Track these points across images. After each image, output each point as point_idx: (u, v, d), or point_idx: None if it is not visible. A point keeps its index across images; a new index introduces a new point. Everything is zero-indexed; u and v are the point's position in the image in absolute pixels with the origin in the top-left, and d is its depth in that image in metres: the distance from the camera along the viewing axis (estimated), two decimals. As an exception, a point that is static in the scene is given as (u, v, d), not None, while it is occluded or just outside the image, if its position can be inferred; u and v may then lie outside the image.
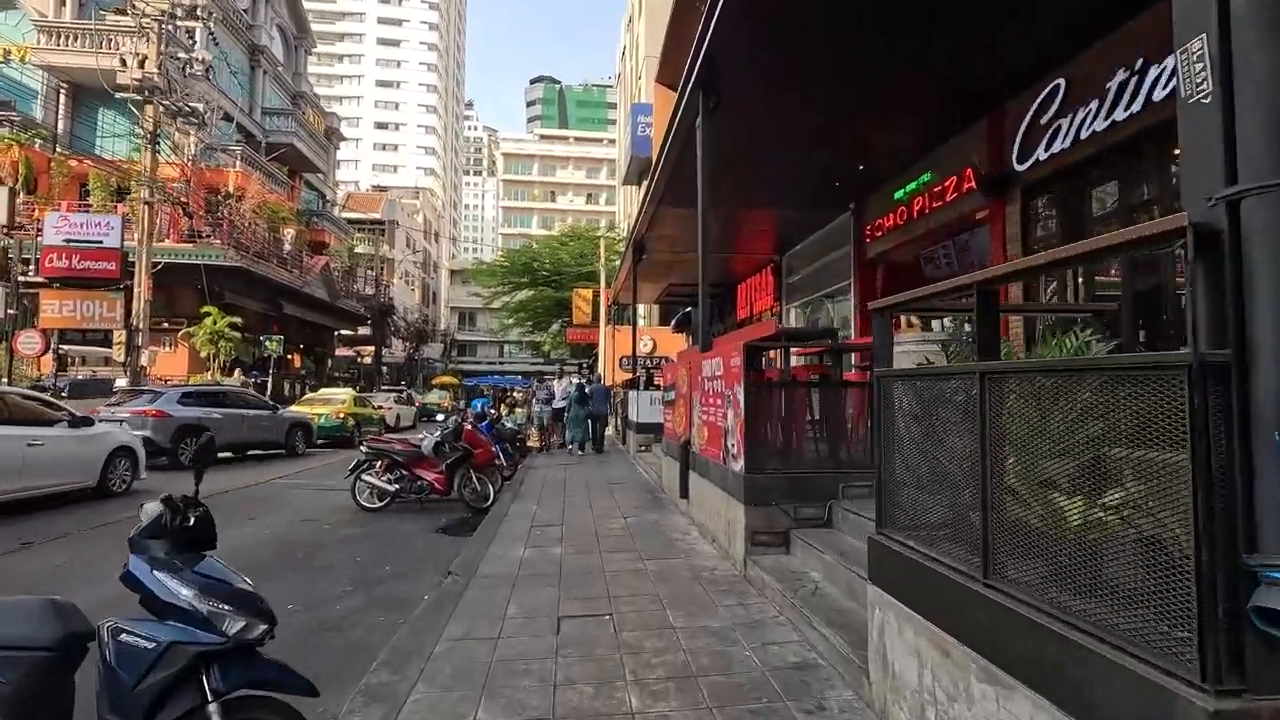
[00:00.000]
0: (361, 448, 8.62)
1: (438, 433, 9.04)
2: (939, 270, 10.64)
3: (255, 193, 23.43)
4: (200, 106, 16.60)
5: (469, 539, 6.51)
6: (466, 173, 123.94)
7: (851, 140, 8.91)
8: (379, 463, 8.57)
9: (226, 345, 21.14)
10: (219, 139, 23.93)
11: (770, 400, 4.87)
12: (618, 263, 30.07)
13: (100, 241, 15.77)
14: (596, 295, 31.00)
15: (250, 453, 14.49)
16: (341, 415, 18.27)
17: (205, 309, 21.02)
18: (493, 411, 16.09)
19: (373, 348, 43.65)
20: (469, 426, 9.51)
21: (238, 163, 23.75)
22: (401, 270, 52.15)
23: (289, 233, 24.13)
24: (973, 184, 7.93)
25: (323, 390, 22.20)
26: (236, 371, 22.57)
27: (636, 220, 13.73)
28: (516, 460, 13.36)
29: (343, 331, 43.88)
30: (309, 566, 5.64)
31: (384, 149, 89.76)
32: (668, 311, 28.93)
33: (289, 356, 31.07)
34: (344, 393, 20.47)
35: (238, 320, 21.39)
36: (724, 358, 5.35)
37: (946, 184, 8.49)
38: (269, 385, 22.03)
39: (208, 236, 21.62)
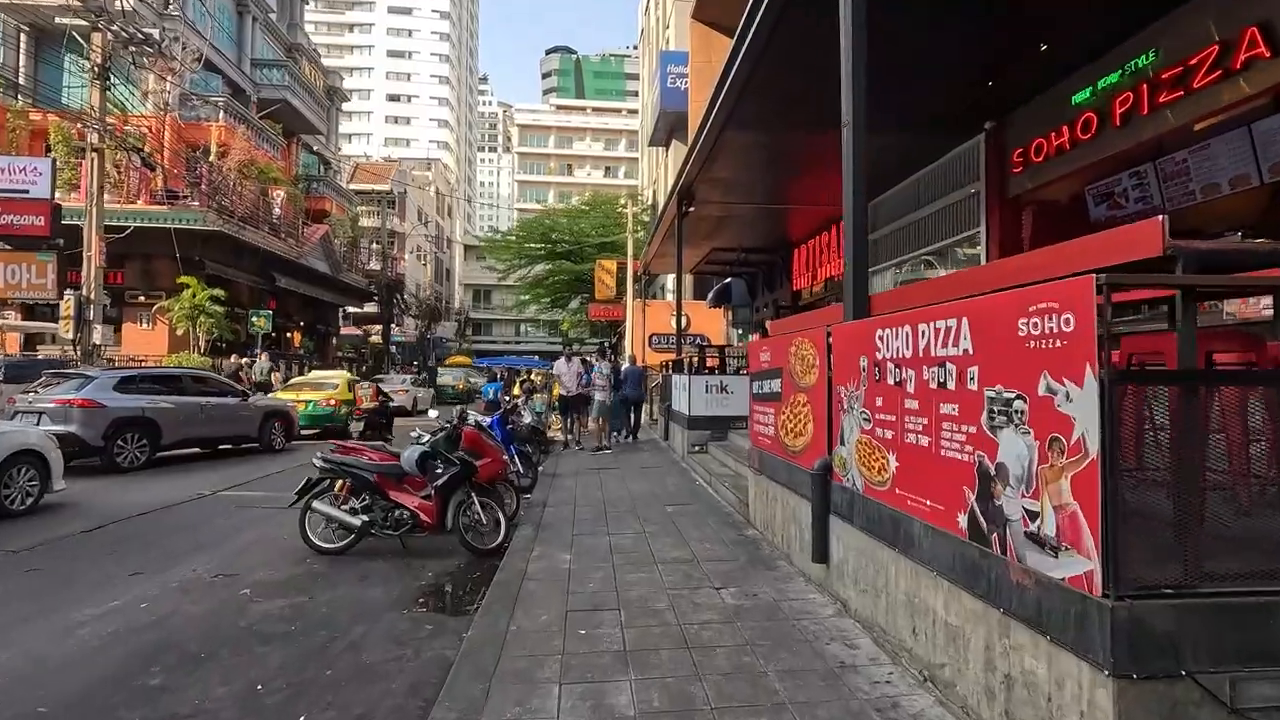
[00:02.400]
0: (315, 460, 5.94)
1: (427, 436, 6.35)
2: (1122, 210, 7.68)
3: (241, 149, 20.77)
4: (155, 34, 13.85)
5: (464, 623, 3.83)
6: (481, 149, 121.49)
7: (1026, 12, 5.99)
8: (340, 483, 5.89)
9: (207, 321, 18.64)
10: (199, 89, 21.26)
11: (1165, 418, 2.04)
12: (642, 234, 27.15)
13: (26, 191, 13.11)
14: (622, 267, 28.10)
15: (222, 448, 12.13)
16: (334, 402, 15.79)
17: (181, 280, 18.51)
18: (506, 399, 13.41)
19: (382, 326, 41.21)
20: (471, 426, 6.82)
21: (221, 115, 21.07)
22: (413, 245, 49.60)
23: (278, 194, 21.45)
24: (1262, 50, 4.99)
25: (314, 373, 19.54)
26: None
27: (687, 161, 10.86)
28: (538, 461, 10.72)
29: (350, 309, 41.55)
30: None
31: (395, 121, 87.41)
32: (702, 285, 26.05)
33: (289, 335, 28.70)
34: (338, 375, 17.75)
35: (220, 293, 18.86)
36: (983, 316, 2.53)
37: (1193, 61, 5.53)
38: (256, 366, 19.53)
39: (185, 198, 19.04)
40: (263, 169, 21.90)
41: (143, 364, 18.08)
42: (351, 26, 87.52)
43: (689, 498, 7.57)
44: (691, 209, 11.99)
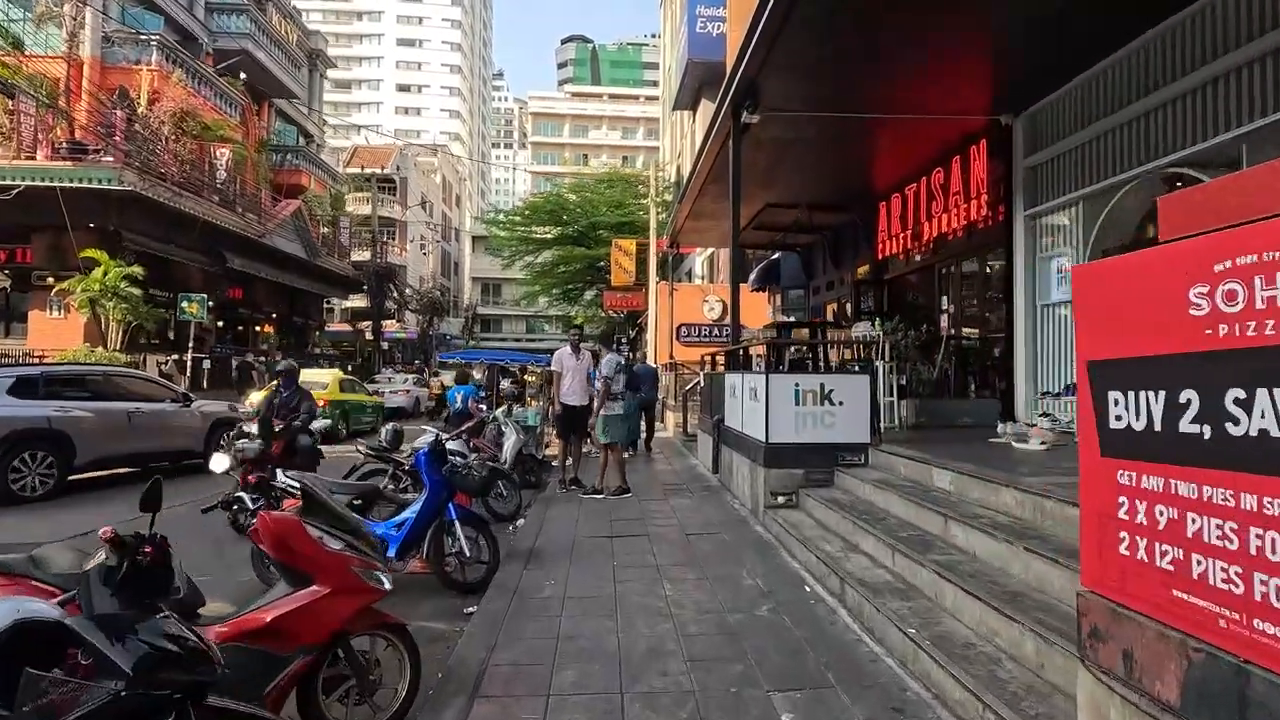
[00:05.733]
0: None
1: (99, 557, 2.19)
2: None
3: (176, 98, 16.87)
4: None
5: None
6: (496, 144, 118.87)
7: None
8: None
9: (120, 306, 14.74)
10: (134, 27, 17.43)
11: None
12: (665, 217, 22.90)
13: None
14: (642, 248, 23.94)
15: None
16: (323, 403, 12.67)
17: (87, 254, 14.62)
18: (481, 410, 9.26)
19: (383, 321, 37.08)
20: (290, 511, 2.69)
21: (154, 56, 17.18)
22: (415, 234, 45.85)
23: (223, 153, 17.51)
24: None
25: (302, 372, 16.35)
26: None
27: (753, 29, 6.62)
28: (519, 508, 6.69)
29: (342, 302, 37.83)
30: None
31: (406, 112, 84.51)
32: (745, 260, 21.75)
33: (257, 328, 24.91)
34: (328, 375, 15.07)
35: (137, 271, 14.93)
36: None
37: None
38: (187, 365, 15.60)
39: (96, 153, 15.17)
40: (208, 125, 17.99)
41: (42, 358, 14.32)
42: (360, 14, 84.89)
43: (814, 652, 3.32)
44: (754, 120, 7.72)
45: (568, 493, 7.77)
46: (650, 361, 20.07)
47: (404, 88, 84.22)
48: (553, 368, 7.77)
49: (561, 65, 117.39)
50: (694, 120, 26.67)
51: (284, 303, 25.69)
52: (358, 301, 36.11)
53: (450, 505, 4.83)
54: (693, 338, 18.32)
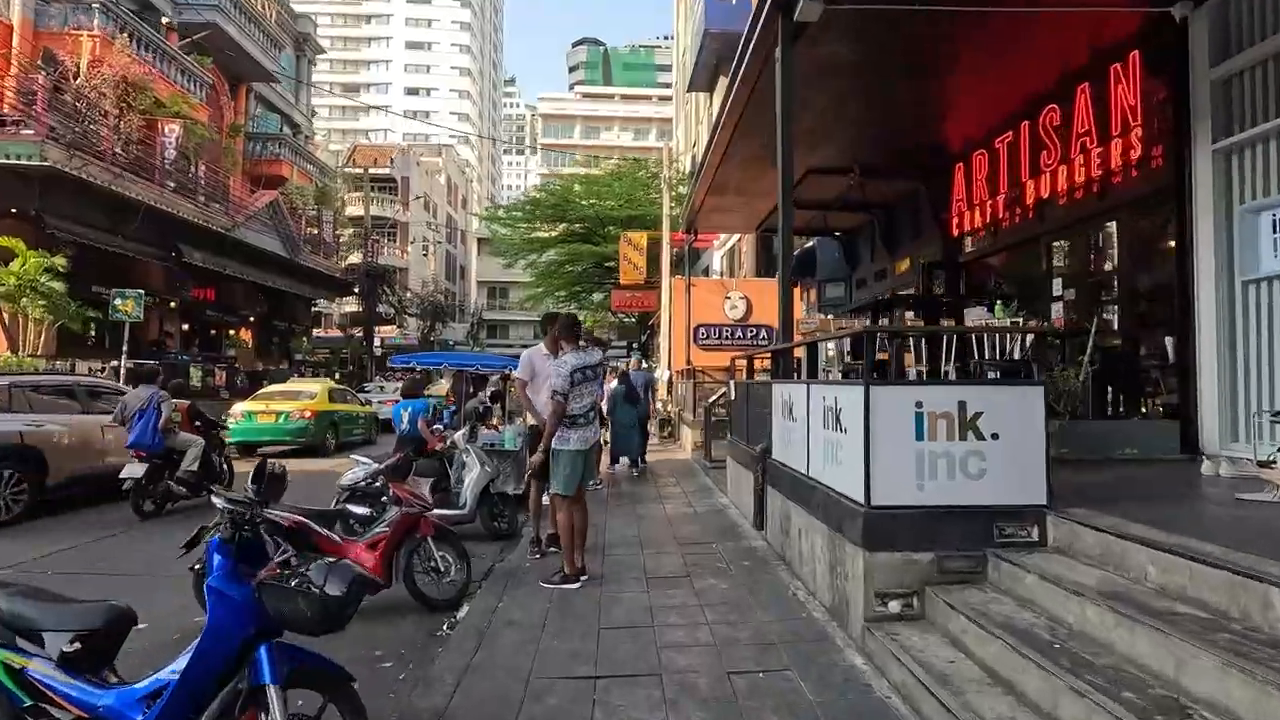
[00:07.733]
0: None
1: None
2: None
3: (120, 66, 14.67)
4: None
5: None
6: (507, 151, 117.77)
7: None
8: None
9: (37, 303, 12.49)
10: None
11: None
12: (678, 212, 20.46)
13: None
14: (654, 243, 21.44)
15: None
16: (310, 414, 12.65)
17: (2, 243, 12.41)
18: (439, 431, 6.84)
19: (381, 325, 34.65)
20: None
21: (95, 19, 15.01)
22: (417, 235, 43.78)
23: (171, 129, 15.28)
24: None
25: (291, 381, 16.06)
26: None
27: None
28: (469, 579, 4.38)
29: (344, 309, 35.73)
30: None
31: (414, 115, 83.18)
32: (766, 260, 19.20)
33: (231, 333, 22.73)
34: (316, 384, 14.56)
35: (59, 263, 12.67)
36: None
37: None
38: (121, 371, 13.29)
39: (16, 124, 12.99)
40: (161, 101, 15.79)
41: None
42: (369, 17, 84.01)
43: None
44: (815, 14, 5.18)
45: (542, 558, 5.28)
46: (664, 368, 17.59)
47: (412, 91, 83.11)
48: (518, 375, 5.26)
49: (573, 69, 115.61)
50: (710, 103, 24.30)
51: (264, 305, 23.48)
52: (354, 305, 33.97)
53: (263, 651, 2.35)
54: (712, 340, 15.80)
